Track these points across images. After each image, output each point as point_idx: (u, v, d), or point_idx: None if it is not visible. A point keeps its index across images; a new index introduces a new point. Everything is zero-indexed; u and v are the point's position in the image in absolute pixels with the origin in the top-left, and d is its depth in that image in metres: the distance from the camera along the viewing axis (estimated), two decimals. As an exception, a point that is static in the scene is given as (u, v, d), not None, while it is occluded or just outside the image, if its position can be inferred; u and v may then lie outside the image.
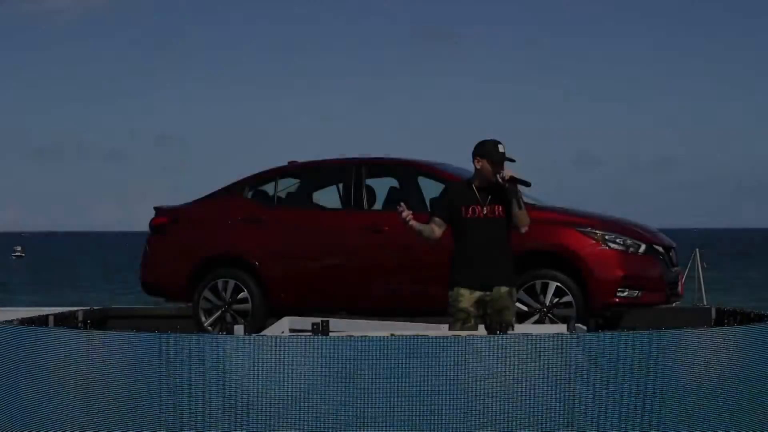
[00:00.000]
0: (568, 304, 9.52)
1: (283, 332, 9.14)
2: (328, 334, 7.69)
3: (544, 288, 9.57)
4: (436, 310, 9.47)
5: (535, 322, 9.49)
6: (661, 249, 9.90)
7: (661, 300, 9.86)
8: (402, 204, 8.28)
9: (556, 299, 9.53)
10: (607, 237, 9.61)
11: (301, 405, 7.21)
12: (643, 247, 9.70)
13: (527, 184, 8.27)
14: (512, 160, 8.25)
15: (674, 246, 10.19)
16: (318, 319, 8.07)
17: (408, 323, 9.31)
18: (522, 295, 9.47)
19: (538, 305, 9.55)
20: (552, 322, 9.45)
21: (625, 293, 9.55)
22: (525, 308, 9.50)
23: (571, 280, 9.55)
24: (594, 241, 9.58)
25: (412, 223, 8.23)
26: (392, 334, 7.51)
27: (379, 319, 9.94)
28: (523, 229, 8.28)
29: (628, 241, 9.66)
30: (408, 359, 7.19)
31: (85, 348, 7.81)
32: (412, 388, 7.17)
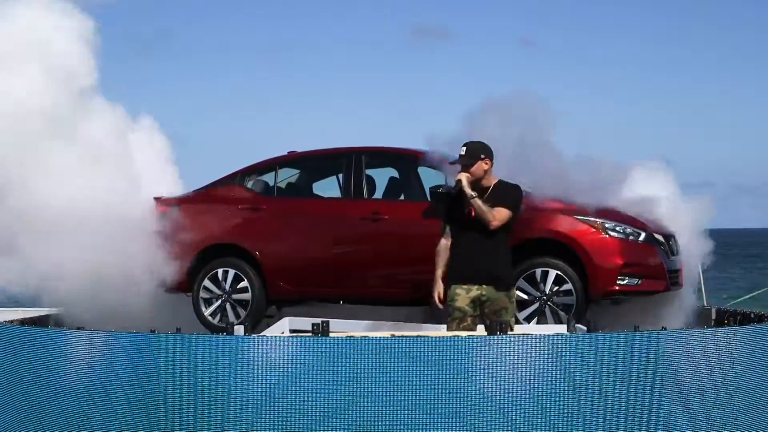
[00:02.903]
0: (568, 292, 9.51)
1: (283, 332, 9.15)
2: (328, 335, 7.67)
3: (544, 276, 9.56)
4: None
5: (535, 310, 9.51)
6: (661, 237, 9.87)
7: (662, 288, 9.83)
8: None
9: (556, 287, 9.52)
10: (606, 225, 9.58)
11: (302, 406, 7.21)
12: (642, 235, 9.68)
13: (451, 191, 8.60)
14: (457, 163, 8.51)
15: (674, 234, 10.16)
16: (318, 320, 8.06)
17: (408, 324, 9.33)
18: (522, 283, 9.47)
19: (538, 293, 9.54)
20: (552, 310, 9.47)
21: (625, 281, 9.52)
22: (525, 296, 9.50)
23: (571, 268, 9.54)
24: (594, 229, 9.56)
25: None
26: (393, 335, 7.51)
27: (379, 310, 9.98)
28: (491, 226, 8.40)
29: (628, 229, 9.64)
30: (408, 360, 7.19)
31: (85, 348, 7.81)
32: (412, 389, 7.17)
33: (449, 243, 8.59)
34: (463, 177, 8.36)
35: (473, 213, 8.38)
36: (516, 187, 8.61)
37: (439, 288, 8.55)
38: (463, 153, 8.46)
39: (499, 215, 8.37)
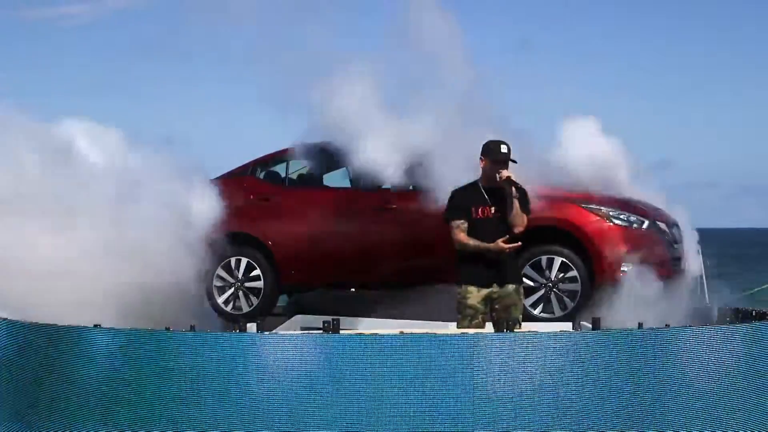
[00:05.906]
0: (573, 279, 9.66)
1: (294, 330, 9.28)
2: (338, 332, 7.79)
3: (550, 263, 9.70)
4: (444, 286, 9.62)
5: (541, 297, 9.66)
6: (664, 225, 10.00)
7: (665, 275, 9.96)
8: None
9: (561, 274, 9.67)
10: (611, 213, 9.72)
11: (312, 403, 7.32)
12: (646, 223, 9.82)
13: (519, 191, 8.38)
14: (514, 161, 8.36)
15: (677, 223, 10.28)
16: (329, 318, 8.19)
17: (417, 321, 9.46)
18: (527, 270, 9.61)
19: (544, 280, 9.69)
20: (557, 297, 9.62)
21: (629, 268, 9.66)
22: (531, 283, 9.64)
23: (576, 255, 9.67)
24: (598, 217, 9.70)
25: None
26: (402, 332, 7.63)
27: (388, 304, 10.14)
28: (517, 230, 8.40)
29: (632, 217, 9.78)
30: (417, 357, 7.29)
31: (100, 346, 7.91)
32: (421, 386, 7.27)
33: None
34: (511, 175, 8.32)
35: (493, 212, 8.41)
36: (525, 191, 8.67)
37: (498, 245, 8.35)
38: (505, 151, 8.37)
39: (524, 223, 8.44)
